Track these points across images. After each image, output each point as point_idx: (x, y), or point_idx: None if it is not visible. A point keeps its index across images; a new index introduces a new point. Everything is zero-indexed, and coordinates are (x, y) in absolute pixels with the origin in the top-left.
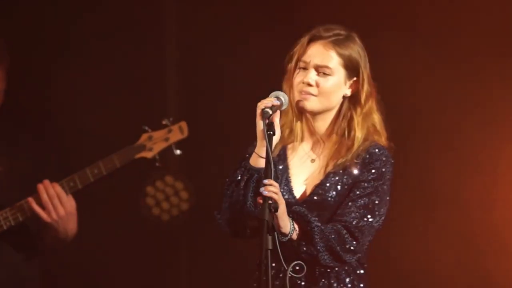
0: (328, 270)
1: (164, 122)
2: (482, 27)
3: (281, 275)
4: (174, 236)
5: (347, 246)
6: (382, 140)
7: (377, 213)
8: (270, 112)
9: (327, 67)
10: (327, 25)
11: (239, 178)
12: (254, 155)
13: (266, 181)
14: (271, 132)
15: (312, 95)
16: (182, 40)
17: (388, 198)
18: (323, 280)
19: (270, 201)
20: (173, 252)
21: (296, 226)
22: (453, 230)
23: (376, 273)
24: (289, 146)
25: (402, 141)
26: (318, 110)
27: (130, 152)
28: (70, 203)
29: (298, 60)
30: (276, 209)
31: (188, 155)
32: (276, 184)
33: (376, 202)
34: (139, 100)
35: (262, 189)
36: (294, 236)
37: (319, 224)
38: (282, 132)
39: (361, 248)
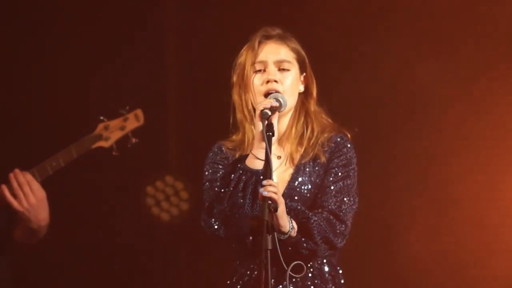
0: (312, 269)
1: (120, 111)
2: (484, 28)
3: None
4: (174, 236)
5: (338, 231)
6: (337, 128)
7: (353, 195)
8: (269, 113)
9: (286, 60)
10: (266, 26)
11: (237, 180)
12: (251, 156)
13: (265, 182)
14: (270, 133)
15: (279, 92)
16: (183, 40)
17: (356, 181)
18: (306, 278)
19: (269, 201)
20: (173, 252)
21: (294, 223)
22: (461, 229)
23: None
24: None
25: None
26: (286, 109)
27: (87, 143)
28: (40, 191)
29: (252, 64)
30: (276, 209)
31: (188, 155)
32: (276, 184)
33: (350, 185)
34: (139, 104)
35: (261, 190)
36: (293, 234)
37: (317, 218)
38: (246, 138)
39: (347, 230)
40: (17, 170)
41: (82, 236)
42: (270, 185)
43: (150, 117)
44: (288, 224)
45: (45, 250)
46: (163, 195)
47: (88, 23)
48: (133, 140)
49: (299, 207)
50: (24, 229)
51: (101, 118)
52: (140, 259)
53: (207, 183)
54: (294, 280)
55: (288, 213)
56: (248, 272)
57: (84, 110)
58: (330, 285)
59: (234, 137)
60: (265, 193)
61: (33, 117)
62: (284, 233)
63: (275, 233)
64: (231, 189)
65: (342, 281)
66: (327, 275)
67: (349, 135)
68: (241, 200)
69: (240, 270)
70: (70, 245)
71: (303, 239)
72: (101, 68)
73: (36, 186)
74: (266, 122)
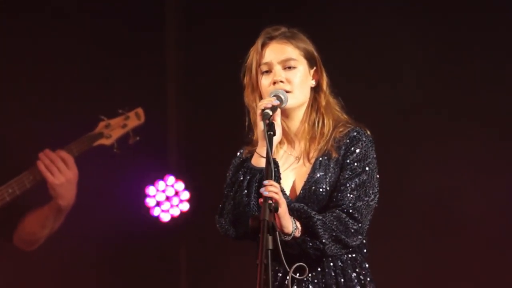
0: (334, 268)
1: (119, 111)
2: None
3: (280, 275)
4: (174, 236)
5: (351, 230)
6: (352, 122)
7: (370, 191)
8: (271, 113)
9: (291, 58)
10: (271, 27)
11: (242, 178)
12: (255, 155)
13: (266, 182)
14: (272, 133)
15: (287, 91)
16: (184, 41)
17: (377, 176)
18: (329, 277)
19: (270, 201)
20: (173, 252)
21: (298, 224)
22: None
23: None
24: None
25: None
26: (296, 105)
27: (88, 141)
28: (75, 168)
29: (258, 66)
30: (277, 209)
31: (188, 155)
32: (277, 185)
33: (367, 181)
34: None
35: (262, 190)
36: (297, 234)
37: (320, 217)
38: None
39: (363, 229)
40: (47, 150)
41: (82, 236)
42: (271, 185)
43: (150, 117)
44: (291, 225)
45: (43, 250)
46: (163, 196)
47: (88, 21)
48: (135, 138)
49: (302, 207)
50: (52, 210)
51: (101, 117)
52: (140, 259)
53: (227, 188)
54: (316, 280)
55: (292, 214)
56: (272, 273)
57: (83, 110)
58: (355, 282)
59: (254, 138)
60: (266, 193)
61: (31, 117)
62: (287, 234)
63: (277, 234)
64: (237, 188)
65: (369, 279)
66: (351, 272)
67: (366, 129)
68: (246, 199)
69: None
70: (69, 244)
71: (308, 238)
72: (100, 68)
73: (72, 162)
74: (267, 121)
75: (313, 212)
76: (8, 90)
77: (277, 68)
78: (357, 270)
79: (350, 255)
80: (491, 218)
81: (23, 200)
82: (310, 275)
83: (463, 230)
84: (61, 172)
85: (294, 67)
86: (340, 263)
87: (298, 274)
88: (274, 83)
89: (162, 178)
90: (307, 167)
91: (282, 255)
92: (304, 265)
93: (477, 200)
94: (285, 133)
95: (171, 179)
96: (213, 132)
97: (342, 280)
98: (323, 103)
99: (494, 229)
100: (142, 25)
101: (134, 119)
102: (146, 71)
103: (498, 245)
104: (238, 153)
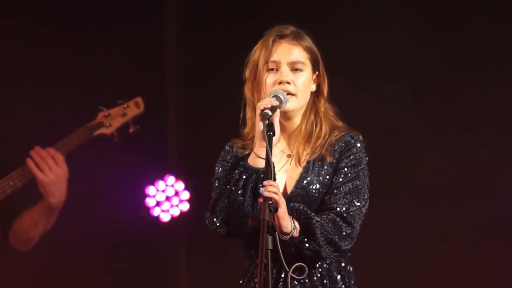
0: (320, 269)
1: (119, 101)
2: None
3: (282, 275)
4: (174, 236)
5: (344, 233)
6: (347, 128)
7: (362, 197)
8: (270, 113)
9: (300, 61)
10: (280, 25)
11: (238, 177)
12: (252, 155)
13: (266, 182)
14: (271, 133)
15: (292, 93)
16: (184, 41)
17: (368, 182)
18: (315, 278)
19: (270, 202)
20: (173, 252)
21: (296, 224)
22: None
23: None
24: None
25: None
26: (297, 108)
27: (88, 130)
28: (64, 165)
29: (266, 62)
30: (276, 210)
31: (188, 155)
32: (276, 185)
33: (360, 186)
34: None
35: (262, 190)
36: (295, 234)
37: (319, 219)
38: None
39: (355, 233)
40: (37, 147)
41: (82, 236)
42: (270, 185)
43: (150, 117)
44: (290, 225)
45: (43, 250)
46: (163, 196)
47: (88, 21)
48: (135, 127)
49: (301, 208)
50: (44, 209)
51: (101, 108)
52: (140, 259)
53: (216, 181)
54: (302, 281)
55: (291, 213)
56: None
57: (83, 112)
58: (340, 284)
59: (245, 131)
60: (266, 193)
61: (28, 107)
62: (286, 234)
63: (277, 234)
64: (232, 187)
65: (353, 281)
66: (336, 274)
67: (360, 135)
68: (241, 198)
69: (251, 270)
70: (69, 245)
71: (306, 239)
72: (100, 68)
73: (61, 159)
74: (267, 121)
75: (313, 214)
76: (7, 86)
77: (285, 69)
78: (342, 272)
79: (335, 258)
80: (492, 219)
81: (19, 200)
82: (298, 274)
83: (462, 231)
84: (51, 170)
85: (301, 70)
86: (325, 265)
87: (296, 274)
88: (280, 83)
89: (162, 178)
90: (299, 169)
91: (282, 255)
92: (304, 265)
93: (477, 201)
94: (281, 130)
95: (171, 179)
96: (213, 132)
97: (327, 281)
98: (322, 108)
99: (495, 230)
100: (142, 25)
101: (134, 108)
102: (146, 71)
103: (499, 246)
104: (227, 147)
